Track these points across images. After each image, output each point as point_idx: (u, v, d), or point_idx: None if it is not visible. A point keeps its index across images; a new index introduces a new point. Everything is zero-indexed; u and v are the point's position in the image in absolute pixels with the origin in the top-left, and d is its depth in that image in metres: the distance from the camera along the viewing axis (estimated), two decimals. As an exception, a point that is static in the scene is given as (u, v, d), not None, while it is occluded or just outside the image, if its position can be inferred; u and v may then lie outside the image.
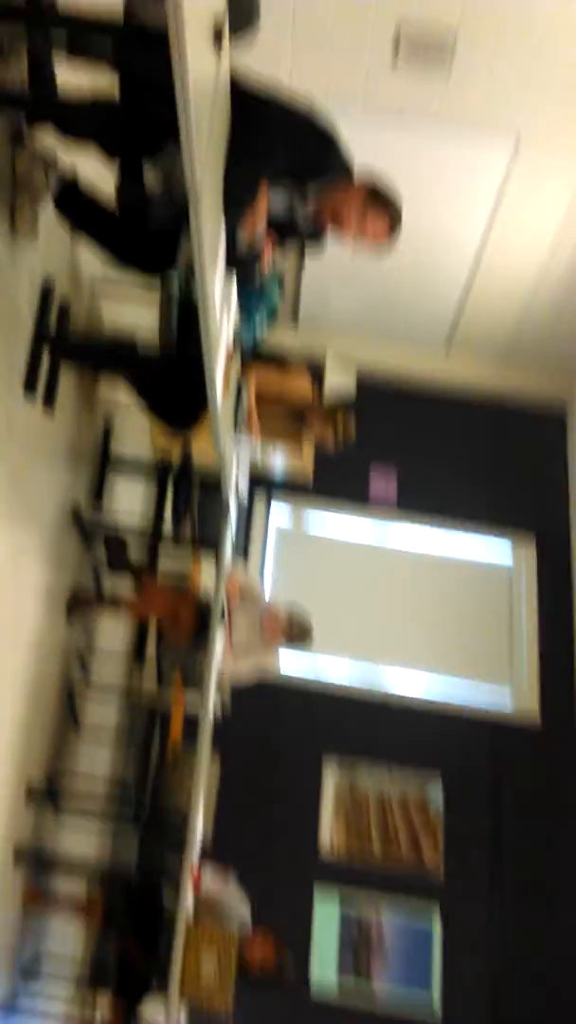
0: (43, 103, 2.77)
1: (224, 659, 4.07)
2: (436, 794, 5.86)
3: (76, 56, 2.71)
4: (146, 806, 4.46)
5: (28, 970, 4.00)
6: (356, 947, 5.56)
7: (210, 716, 3.71)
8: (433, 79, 4.85)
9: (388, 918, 5.64)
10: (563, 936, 5.64)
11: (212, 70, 2.20)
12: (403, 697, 6.15)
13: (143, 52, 2.43)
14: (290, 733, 5.93)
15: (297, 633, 4.19)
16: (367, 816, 5.81)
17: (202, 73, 2.03)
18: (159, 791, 4.38)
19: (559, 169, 5.28)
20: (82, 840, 4.78)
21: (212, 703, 3.75)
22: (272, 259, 3.02)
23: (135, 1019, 3.88)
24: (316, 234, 3.02)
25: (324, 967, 5.48)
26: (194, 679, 4.21)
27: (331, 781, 5.86)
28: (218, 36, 2.23)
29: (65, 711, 4.37)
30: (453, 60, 4.73)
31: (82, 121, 2.78)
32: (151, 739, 4.43)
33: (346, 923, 5.59)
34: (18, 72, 2.71)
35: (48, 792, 4.00)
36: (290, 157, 2.67)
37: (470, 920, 5.65)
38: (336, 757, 5.92)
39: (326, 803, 5.82)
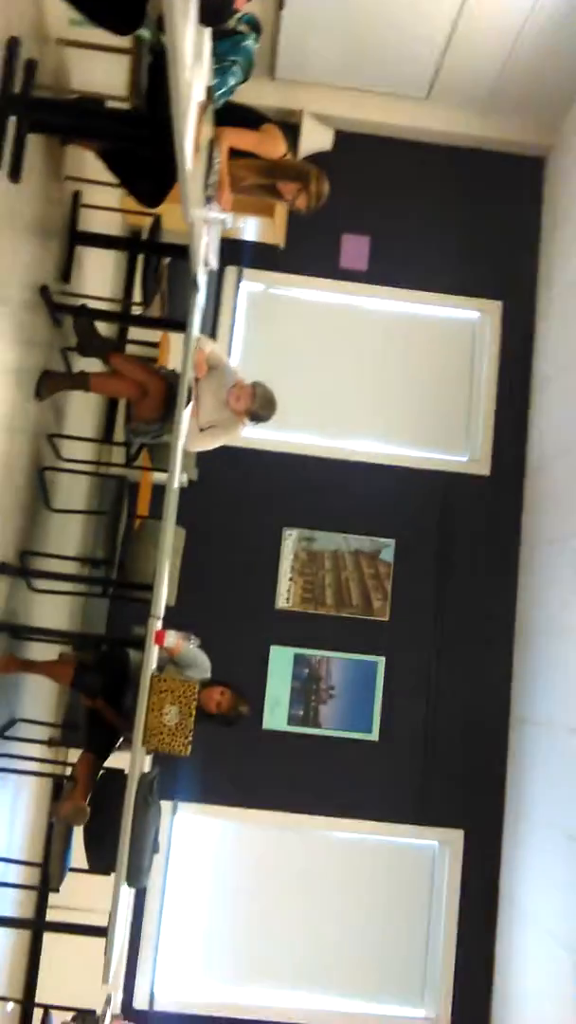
0: None
1: (190, 431, 4.17)
2: (388, 552, 6.37)
3: None
4: (114, 575, 4.68)
5: (2, 730, 4.29)
6: (307, 695, 6.24)
7: (176, 488, 3.85)
8: None
9: (336, 664, 6.20)
10: (487, 670, 6.39)
11: None
12: (360, 460, 6.53)
13: None
14: (252, 502, 6.36)
15: (261, 406, 4.28)
16: (322, 572, 6.26)
17: None
18: (127, 561, 4.58)
19: None
20: (55, 612, 5.04)
21: (178, 476, 3.88)
22: (247, 2, 2.87)
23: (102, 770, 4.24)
24: None
25: (276, 714, 6.10)
26: (162, 454, 4.33)
27: (289, 547, 6.30)
28: None
29: (36, 490, 4.48)
30: None
31: None
32: (119, 512, 4.59)
33: (298, 672, 6.17)
34: None
35: (20, 568, 4.16)
36: None
37: (411, 663, 6.35)
38: (296, 527, 6.33)
39: (284, 567, 6.30)
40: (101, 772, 4.11)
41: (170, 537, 3.82)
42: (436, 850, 6.38)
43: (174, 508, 3.87)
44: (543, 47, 5.96)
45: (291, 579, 6.29)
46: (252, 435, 5.32)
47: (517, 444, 6.58)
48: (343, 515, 6.42)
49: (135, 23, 2.97)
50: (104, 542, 4.88)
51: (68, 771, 4.48)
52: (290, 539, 6.32)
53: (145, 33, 3.26)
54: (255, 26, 3.76)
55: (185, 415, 3.94)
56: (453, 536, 6.48)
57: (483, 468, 6.58)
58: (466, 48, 6.07)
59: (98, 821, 3.97)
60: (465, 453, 6.71)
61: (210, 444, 4.45)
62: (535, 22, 5.76)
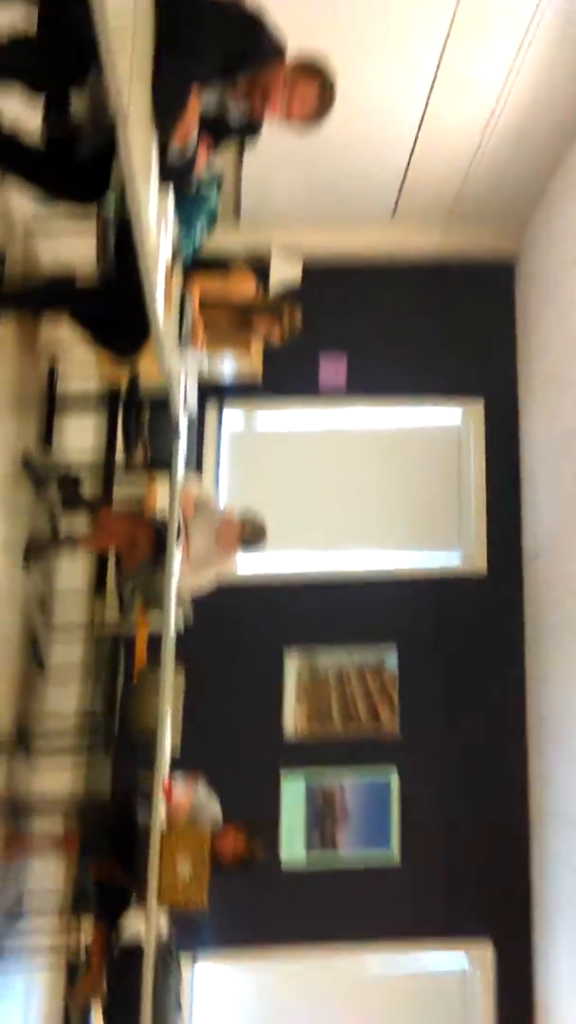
0: None
1: (182, 574, 4.18)
2: (392, 661, 6.30)
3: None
4: (115, 731, 4.60)
5: (12, 912, 4.13)
6: (322, 819, 6.07)
7: (172, 633, 3.84)
8: None
9: (350, 785, 6.12)
10: (503, 768, 6.21)
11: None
12: (356, 573, 6.51)
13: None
14: (251, 631, 6.26)
15: (252, 535, 4.33)
16: (327, 694, 6.18)
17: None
18: (127, 715, 4.51)
19: (500, 24, 5.12)
20: (55, 778, 4.91)
21: (173, 619, 3.87)
22: (208, 162, 3.02)
23: (117, 937, 4.06)
24: (250, 127, 3.03)
25: (293, 845, 5.99)
26: (155, 601, 4.33)
27: (292, 669, 6.23)
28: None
29: (30, 657, 4.45)
30: None
31: (2, 61, 2.82)
32: (116, 666, 4.55)
33: (311, 799, 6.06)
34: None
35: (18, 738, 4.09)
36: (220, 48, 2.68)
37: (424, 772, 6.18)
38: (296, 647, 6.27)
39: (288, 691, 6.21)
40: (117, 948, 3.94)
41: (170, 687, 3.79)
42: (467, 970, 6.12)
43: (171, 652, 3.86)
44: (502, 158, 6.13)
45: (296, 701, 6.20)
46: (244, 560, 5.31)
47: (510, 538, 6.58)
48: (343, 627, 6.36)
49: (97, 193, 3.13)
50: (103, 700, 4.82)
51: (81, 946, 4.29)
52: (292, 658, 6.26)
53: (109, 202, 3.45)
54: (216, 185, 3.98)
55: (177, 556, 3.97)
56: (455, 636, 6.42)
57: (479, 564, 6.56)
58: (427, 166, 6.24)
59: (116, 996, 3.79)
60: (459, 552, 6.72)
61: (203, 581, 4.46)
62: (493, 135, 5.91)
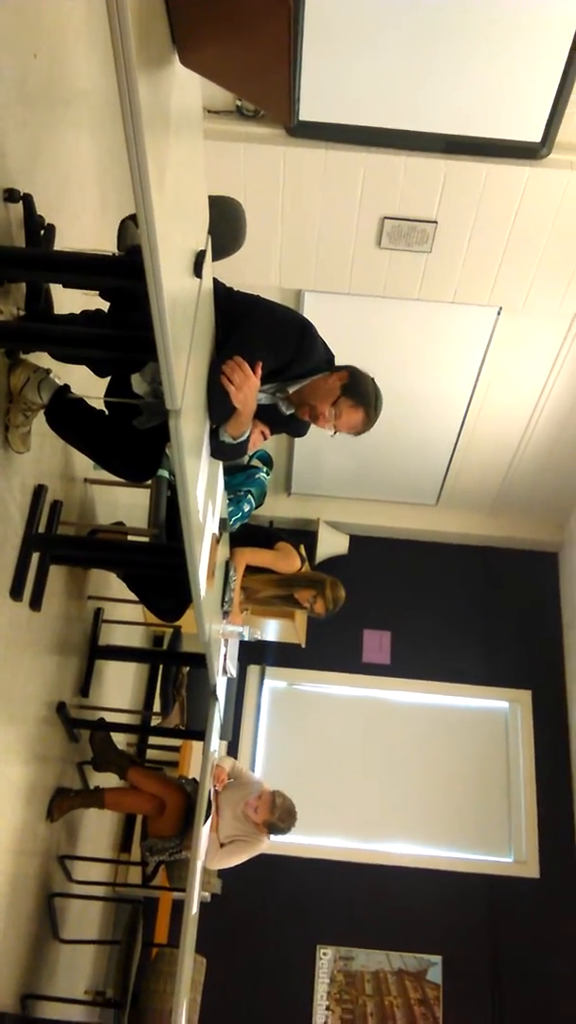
0: (38, 335, 2.93)
1: (210, 848, 3.97)
2: (436, 971, 5.72)
3: (70, 287, 2.94)
4: (126, 1017, 4.21)
5: None
6: None
7: (194, 914, 3.57)
8: (415, 265, 5.18)
9: None
10: None
11: (192, 292, 2.39)
12: (398, 869, 6.08)
13: (130, 280, 2.62)
14: (282, 918, 5.79)
15: (280, 818, 4.12)
16: (363, 998, 5.58)
17: (181, 296, 2.20)
18: (142, 997, 4.14)
19: (540, 331, 5.62)
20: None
21: (196, 900, 3.62)
22: (260, 445, 3.09)
23: None
24: (300, 425, 3.13)
25: None
26: (180, 871, 4.09)
27: (325, 967, 5.63)
28: (198, 266, 2.44)
29: (44, 918, 4.19)
30: (433, 246, 5.06)
31: (74, 347, 2.99)
32: (134, 940, 4.23)
33: None
34: (15, 301, 2.93)
35: (21, 1017, 3.79)
36: (271, 356, 2.77)
37: None
38: (331, 943, 5.72)
39: (319, 992, 5.62)
40: None
41: (188, 974, 3.48)
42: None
43: (193, 938, 3.57)
44: (543, 457, 6.50)
45: (328, 1008, 5.61)
46: (280, 840, 5.05)
47: (564, 840, 6.17)
48: (383, 927, 5.86)
49: (149, 474, 3.22)
50: (117, 976, 4.45)
51: None
52: (325, 959, 5.74)
53: (164, 472, 3.54)
54: (267, 461, 4.11)
55: (204, 830, 3.77)
56: (506, 948, 5.88)
57: (531, 870, 6.11)
58: (470, 462, 6.65)
59: None
60: (510, 853, 6.28)
61: (231, 861, 4.22)
62: (535, 430, 6.30)
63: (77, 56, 3.63)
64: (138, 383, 2.97)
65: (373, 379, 3.03)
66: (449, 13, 4.16)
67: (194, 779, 4.42)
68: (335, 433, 3.02)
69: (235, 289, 2.94)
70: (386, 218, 4.94)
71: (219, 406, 2.64)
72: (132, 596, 4.18)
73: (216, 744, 4.10)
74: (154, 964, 4.36)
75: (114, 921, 5.36)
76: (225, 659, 4.05)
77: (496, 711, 6.75)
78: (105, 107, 4.06)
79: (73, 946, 4.59)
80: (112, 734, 4.47)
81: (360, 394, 2.95)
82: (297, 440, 6.44)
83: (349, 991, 5.64)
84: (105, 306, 3.02)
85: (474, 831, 6.32)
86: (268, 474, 4.08)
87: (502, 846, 6.30)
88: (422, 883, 6.02)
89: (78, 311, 3.13)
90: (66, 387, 3.11)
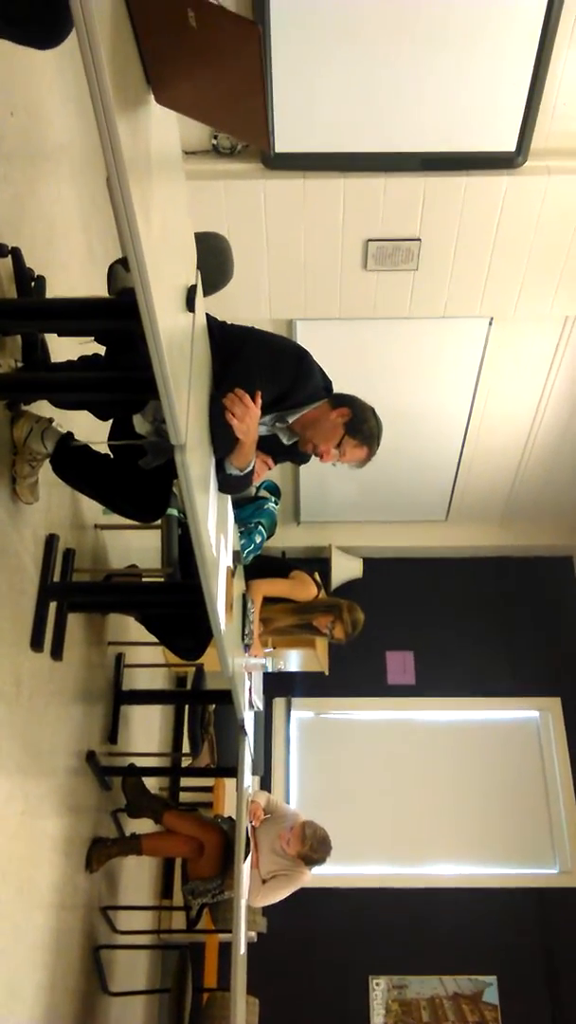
0: (37, 384, 2.96)
1: (253, 885, 3.93)
2: (492, 992, 5.61)
3: (65, 335, 2.96)
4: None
5: None
6: None
7: (243, 954, 3.52)
8: (403, 283, 5.20)
9: None
10: None
11: (187, 327, 2.40)
12: (444, 890, 6.01)
13: (124, 321, 2.64)
14: (331, 951, 5.70)
15: (313, 849, 4.08)
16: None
17: (176, 333, 2.21)
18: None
19: (534, 335, 5.62)
20: None
21: (244, 939, 3.57)
22: (264, 475, 3.10)
23: None
24: (300, 453, 3.13)
25: None
26: (225, 912, 4.05)
27: (379, 997, 5.56)
28: (190, 301, 2.46)
29: (91, 971, 4.14)
30: (419, 263, 5.07)
31: (74, 393, 3.00)
32: (184, 987, 4.16)
33: None
34: (11, 354, 2.95)
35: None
36: (270, 388, 2.79)
37: None
38: (383, 972, 5.64)
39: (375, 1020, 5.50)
40: None
41: (242, 1014, 3.43)
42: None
43: (243, 980, 3.51)
44: (548, 461, 6.49)
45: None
46: (322, 871, 5.00)
47: None
48: (433, 952, 5.77)
49: (158, 513, 3.23)
50: (168, 1018, 4.39)
51: None
52: (379, 989, 5.65)
53: (172, 511, 3.54)
54: (274, 491, 4.11)
55: (245, 868, 3.73)
56: (561, 960, 5.78)
57: None
58: (477, 473, 6.65)
59: None
60: (555, 864, 6.20)
61: (274, 897, 4.16)
62: (537, 441, 6.31)
63: (52, 108, 3.68)
64: (140, 423, 2.98)
65: (373, 410, 3.03)
66: (410, 25, 4.17)
67: (230, 817, 4.38)
68: (337, 464, 3.03)
69: (228, 322, 2.96)
70: (370, 240, 4.97)
71: (222, 438, 2.65)
72: (152, 638, 4.17)
73: (249, 779, 4.06)
74: (206, 1010, 4.29)
75: (162, 969, 5.29)
76: (251, 692, 4.02)
77: (527, 721, 6.70)
78: (84, 156, 4.11)
79: (123, 998, 4.53)
80: (144, 779, 4.44)
81: (364, 433, 2.97)
82: (302, 469, 6.47)
83: (406, 1020, 5.55)
84: (102, 351, 3.04)
85: (516, 845, 6.24)
86: (277, 503, 4.08)
87: (546, 857, 6.21)
88: (468, 902, 5.93)
89: (75, 358, 3.15)
90: (69, 435, 3.12)
